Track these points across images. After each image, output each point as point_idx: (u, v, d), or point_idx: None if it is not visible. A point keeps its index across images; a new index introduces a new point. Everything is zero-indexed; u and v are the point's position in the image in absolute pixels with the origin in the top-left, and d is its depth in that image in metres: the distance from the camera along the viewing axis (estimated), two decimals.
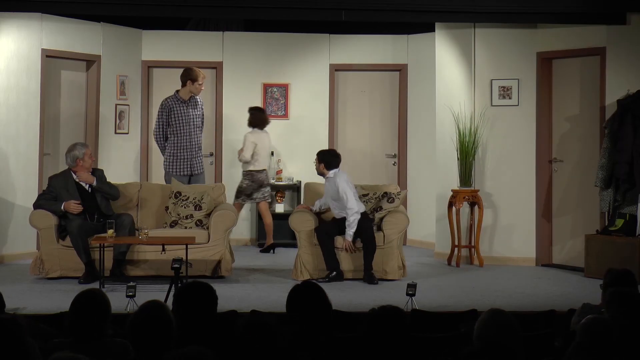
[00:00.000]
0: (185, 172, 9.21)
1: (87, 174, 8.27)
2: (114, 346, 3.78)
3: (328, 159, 8.39)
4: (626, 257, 8.19)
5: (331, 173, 8.33)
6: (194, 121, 9.31)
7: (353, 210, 8.15)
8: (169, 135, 9.25)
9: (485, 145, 9.53)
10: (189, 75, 9.26)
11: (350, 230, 8.16)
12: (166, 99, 9.32)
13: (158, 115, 9.33)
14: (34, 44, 9.45)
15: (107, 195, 8.30)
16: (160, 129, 9.25)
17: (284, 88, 10.86)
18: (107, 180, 8.45)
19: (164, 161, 9.31)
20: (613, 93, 8.80)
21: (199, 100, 9.43)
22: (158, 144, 9.43)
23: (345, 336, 4.31)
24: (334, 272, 8.17)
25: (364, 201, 8.49)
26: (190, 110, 9.25)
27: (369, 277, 8.12)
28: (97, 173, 8.43)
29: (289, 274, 8.37)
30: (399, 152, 10.95)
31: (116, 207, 8.46)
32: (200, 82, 9.30)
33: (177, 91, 9.31)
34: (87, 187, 8.28)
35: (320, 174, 8.45)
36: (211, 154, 10.91)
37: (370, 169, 10.77)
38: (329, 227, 8.32)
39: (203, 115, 9.57)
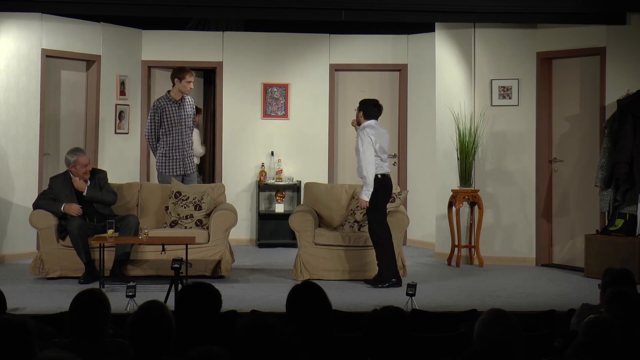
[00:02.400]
0: (178, 172, 9.13)
1: (80, 181, 8.23)
2: (114, 346, 3.78)
3: (365, 107, 8.12)
4: (626, 257, 8.19)
5: (365, 123, 8.08)
6: (185, 121, 9.16)
7: (361, 172, 7.93)
8: (160, 136, 9.18)
9: (485, 145, 9.53)
10: (176, 73, 9.15)
11: (366, 189, 7.93)
12: (158, 100, 9.24)
13: (150, 115, 9.24)
14: (34, 44, 9.45)
15: (101, 203, 8.29)
16: (152, 130, 9.18)
17: (284, 88, 10.86)
18: (109, 182, 8.44)
19: (156, 162, 9.27)
20: (613, 93, 8.80)
21: (189, 99, 9.27)
22: (150, 144, 9.37)
23: (346, 336, 4.31)
24: (393, 280, 7.99)
25: None
26: (182, 110, 9.15)
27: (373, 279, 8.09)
28: (99, 175, 8.40)
29: (289, 274, 8.37)
30: (399, 152, 10.95)
31: (116, 207, 8.45)
32: (188, 80, 9.05)
33: (169, 91, 9.26)
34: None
35: (358, 122, 8.17)
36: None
37: None
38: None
39: (194, 115, 9.42)
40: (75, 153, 8.31)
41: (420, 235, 10.63)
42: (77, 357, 3.06)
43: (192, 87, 9.22)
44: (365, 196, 7.97)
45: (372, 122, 8.08)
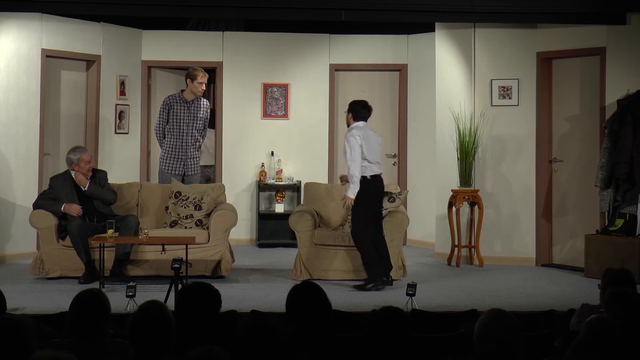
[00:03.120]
0: (179, 172, 9.12)
1: (82, 177, 8.25)
2: (114, 346, 3.78)
3: (354, 108, 8.04)
4: (626, 257, 8.19)
5: (353, 125, 8.03)
6: (193, 123, 9.11)
7: (351, 172, 7.88)
8: (166, 133, 9.17)
9: (485, 145, 9.53)
10: (188, 74, 9.17)
11: (352, 187, 7.89)
12: (168, 96, 9.23)
13: (159, 111, 9.28)
14: (34, 44, 9.45)
15: (101, 200, 8.29)
16: (160, 126, 9.20)
17: (284, 88, 10.86)
18: (109, 182, 8.44)
19: (159, 158, 9.27)
20: (613, 93, 8.80)
21: (204, 103, 9.21)
22: (157, 139, 9.39)
23: (346, 336, 4.31)
24: (384, 278, 7.88)
25: None
26: (192, 112, 9.10)
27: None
28: (99, 175, 8.41)
29: (289, 274, 8.37)
30: (399, 152, 10.95)
31: (116, 207, 8.46)
32: (200, 81, 9.03)
33: (182, 91, 9.26)
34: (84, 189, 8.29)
35: (348, 124, 8.11)
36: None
37: None
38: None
39: (207, 119, 9.32)
40: (77, 151, 8.33)
41: (420, 235, 10.63)
42: (77, 357, 3.06)
43: (204, 88, 9.17)
44: (351, 194, 7.96)
45: (360, 123, 8.02)
